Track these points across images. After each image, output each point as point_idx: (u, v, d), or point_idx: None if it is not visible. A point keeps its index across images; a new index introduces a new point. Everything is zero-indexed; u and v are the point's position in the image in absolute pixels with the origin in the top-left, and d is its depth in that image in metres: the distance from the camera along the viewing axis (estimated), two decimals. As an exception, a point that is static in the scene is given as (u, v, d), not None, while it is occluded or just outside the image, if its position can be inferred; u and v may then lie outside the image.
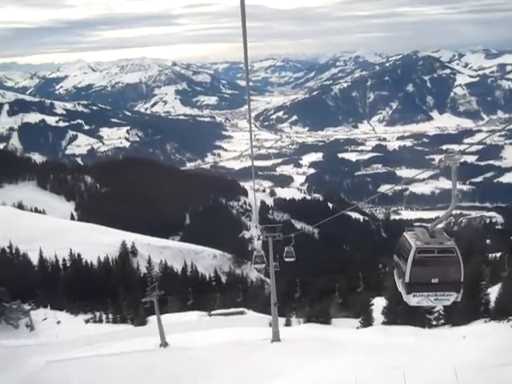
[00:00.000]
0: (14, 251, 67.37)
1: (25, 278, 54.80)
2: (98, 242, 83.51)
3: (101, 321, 48.52)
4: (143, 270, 74.62)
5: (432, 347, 16.86)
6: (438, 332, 21.49)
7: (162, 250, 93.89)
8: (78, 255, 68.82)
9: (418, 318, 22.88)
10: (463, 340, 18.17)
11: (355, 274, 44.22)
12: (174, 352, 23.64)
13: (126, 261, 75.64)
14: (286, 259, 22.47)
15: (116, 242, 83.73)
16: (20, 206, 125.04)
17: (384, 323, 24.57)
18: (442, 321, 24.46)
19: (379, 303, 34.55)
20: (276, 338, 22.87)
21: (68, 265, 69.35)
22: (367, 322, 27.60)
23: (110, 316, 49.06)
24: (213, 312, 43.84)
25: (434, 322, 23.55)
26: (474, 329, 21.12)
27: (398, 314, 23.24)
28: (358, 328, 26.85)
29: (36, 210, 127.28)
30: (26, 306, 48.63)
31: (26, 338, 38.81)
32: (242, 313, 43.44)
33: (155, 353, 24.01)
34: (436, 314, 23.52)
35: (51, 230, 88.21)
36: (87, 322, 48.63)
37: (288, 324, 32.95)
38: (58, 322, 47.43)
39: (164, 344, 25.77)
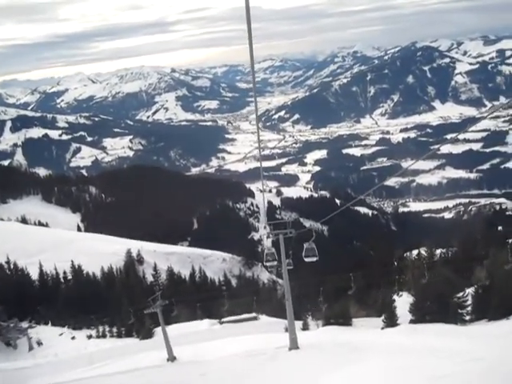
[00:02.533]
0: (12, 266, 64.79)
1: (23, 295, 52.60)
2: (103, 252, 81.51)
3: (104, 336, 45.89)
4: (150, 278, 72.30)
5: (477, 349, 14.69)
6: (476, 329, 19.22)
7: (169, 257, 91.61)
8: (79, 267, 66.08)
9: (450, 313, 20.71)
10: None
11: (371, 270, 42.04)
12: (183, 367, 21.43)
13: (131, 269, 73.39)
14: (307, 259, 19.75)
15: (121, 251, 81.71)
16: (23, 221, 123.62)
17: (412, 322, 22.39)
18: (474, 316, 22.24)
19: (401, 299, 32.47)
20: (294, 345, 20.66)
21: (69, 277, 66.53)
22: (391, 320, 25.40)
23: (115, 330, 46.43)
24: (224, 319, 41.48)
25: (468, 318, 21.33)
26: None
27: (427, 311, 21.05)
28: (382, 328, 24.62)
29: (40, 224, 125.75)
30: (24, 325, 46.20)
31: (24, 359, 36.65)
32: (254, 318, 41.05)
33: (162, 369, 21.74)
34: (469, 308, 21.27)
35: (54, 242, 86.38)
36: (90, 337, 45.97)
37: (305, 328, 30.69)
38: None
39: (172, 358, 23.53)
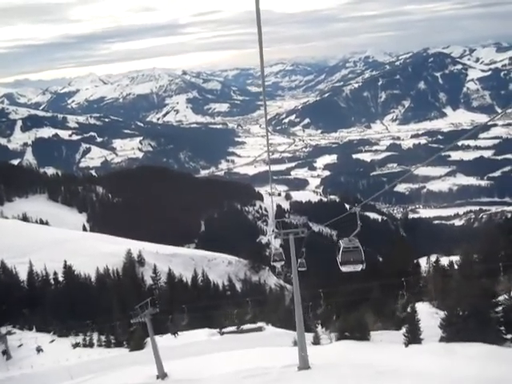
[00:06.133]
0: (-1, 265, 61.20)
1: (8, 296, 49.01)
2: (103, 252, 78.26)
3: (91, 345, 41.88)
4: (150, 280, 68.03)
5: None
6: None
7: (172, 258, 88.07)
8: (69, 267, 61.52)
9: (489, 331, 17.38)
10: None
11: (385, 278, 38.71)
12: (174, 386, 18.43)
13: (129, 271, 69.52)
14: (346, 267, 13.80)
15: (122, 252, 78.12)
16: (24, 218, 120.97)
17: (443, 339, 19.06)
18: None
19: (420, 309, 29.23)
20: (304, 364, 17.57)
21: (60, 279, 61.99)
22: (414, 335, 22.26)
23: (103, 339, 42.33)
24: (225, 329, 37.81)
25: (510, 336, 17.86)
26: None
27: (461, 328, 17.71)
28: (406, 345, 21.37)
29: (41, 222, 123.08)
30: (3, 330, 42.60)
31: (-2, 369, 33.45)
32: (259, 329, 37.51)
33: (150, 388, 18.78)
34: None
35: (52, 241, 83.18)
36: (75, 346, 41.83)
37: (316, 342, 27.35)
38: (39, 351, 39.62)
39: (162, 375, 20.41)
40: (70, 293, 52.10)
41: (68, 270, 61.33)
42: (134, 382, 20.04)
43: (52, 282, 62.08)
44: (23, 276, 60.61)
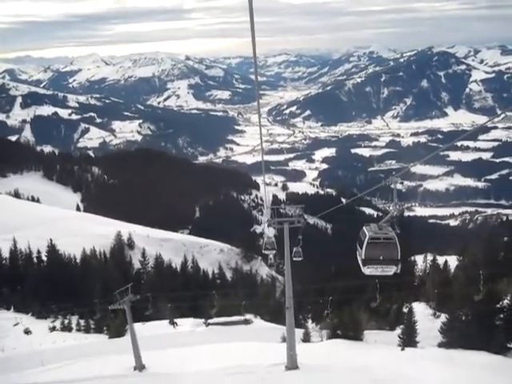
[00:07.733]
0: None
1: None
2: (94, 233, 76.18)
3: (70, 329, 40.03)
4: (138, 264, 66.03)
5: None
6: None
7: (163, 243, 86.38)
8: (53, 246, 58.69)
9: (493, 339, 16.09)
10: None
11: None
12: (151, 380, 17.00)
13: (117, 254, 67.57)
14: (370, 269, 11.06)
15: (112, 234, 76.18)
16: (16, 195, 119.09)
17: (442, 345, 17.75)
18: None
19: (416, 310, 28.04)
20: (292, 364, 16.25)
21: (44, 258, 59.13)
22: (410, 337, 21.03)
23: (83, 323, 40.36)
24: (210, 320, 36.04)
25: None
26: None
27: (463, 333, 16.38)
28: (402, 348, 20.07)
29: (32, 199, 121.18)
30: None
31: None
32: (246, 322, 36.05)
33: (125, 380, 17.30)
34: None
35: (42, 218, 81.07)
36: (53, 330, 40.00)
37: (306, 339, 25.93)
38: (27, 332, 38.06)
39: (140, 367, 19.04)
40: (52, 273, 50.07)
41: (52, 249, 59.05)
42: (108, 372, 18.64)
43: (35, 260, 59.75)
44: (6, 253, 58.44)
